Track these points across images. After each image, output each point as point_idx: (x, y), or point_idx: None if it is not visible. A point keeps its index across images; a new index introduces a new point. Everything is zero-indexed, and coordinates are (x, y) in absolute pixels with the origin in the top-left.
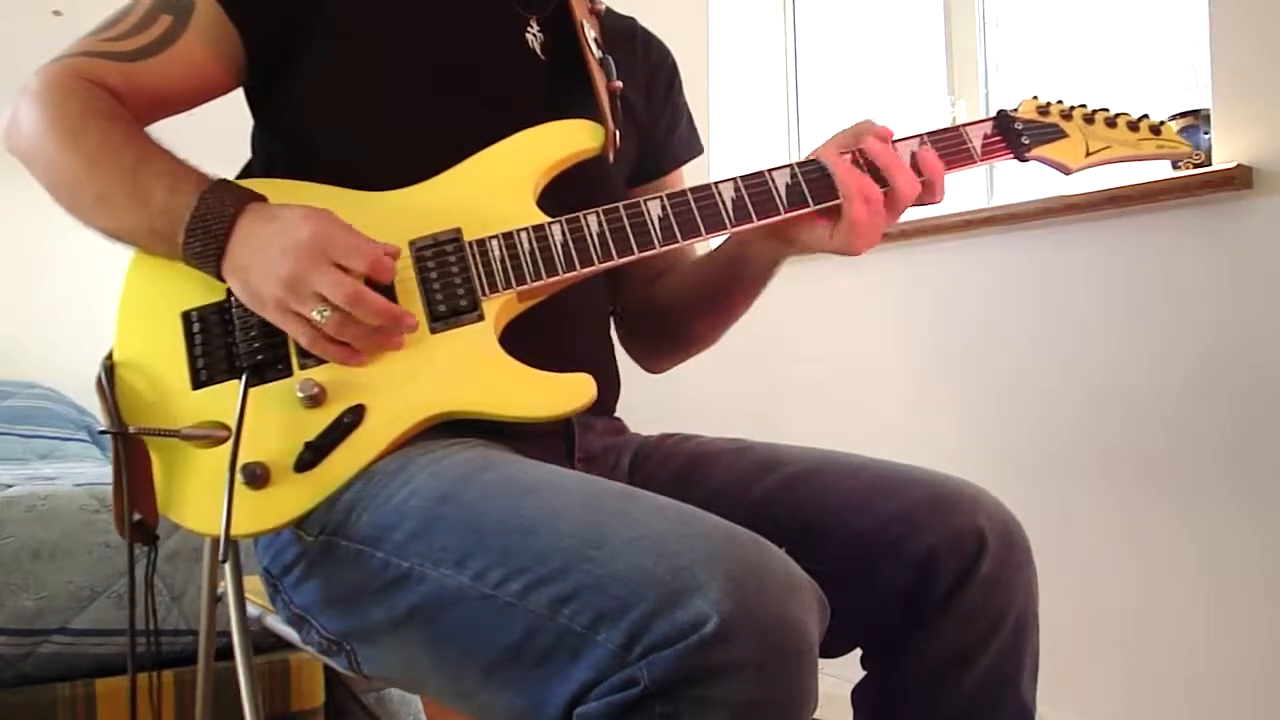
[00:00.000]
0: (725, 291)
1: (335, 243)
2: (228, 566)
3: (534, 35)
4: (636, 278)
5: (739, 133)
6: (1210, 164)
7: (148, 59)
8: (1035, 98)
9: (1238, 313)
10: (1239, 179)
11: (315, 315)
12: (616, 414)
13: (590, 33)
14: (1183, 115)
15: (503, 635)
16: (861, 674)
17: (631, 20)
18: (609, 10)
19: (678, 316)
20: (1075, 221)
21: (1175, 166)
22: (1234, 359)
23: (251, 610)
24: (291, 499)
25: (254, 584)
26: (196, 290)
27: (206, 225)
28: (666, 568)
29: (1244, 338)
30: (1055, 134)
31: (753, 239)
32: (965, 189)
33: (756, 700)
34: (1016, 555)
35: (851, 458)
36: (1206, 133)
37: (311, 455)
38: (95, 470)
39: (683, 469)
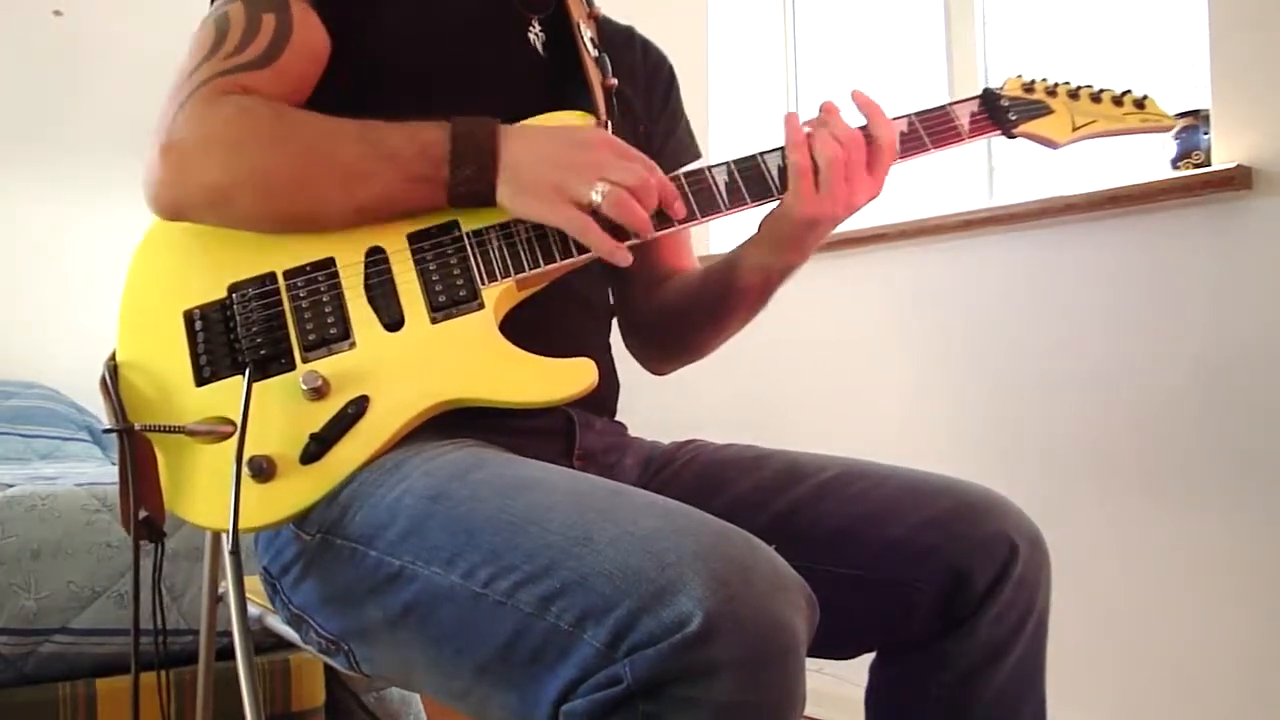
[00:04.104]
0: (721, 302)
1: (615, 142)
2: (229, 566)
3: (536, 34)
4: (639, 283)
5: (739, 133)
6: (1210, 164)
7: (281, 57)
8: (1019, 76)
9: (1237, 313)
10: (1239, 179)
11: (594, 195)
12: (618, 418)
13: (586, 33)
14: (1183, 115)
15: (493, 634)
16: (863, 674)
17: (630, 27)
18: (606, 18)
19: (678, 324)
20: (1075, 221)
21: (1175, 166)
22: (1234, 359)
23: (252, 610)
24: (298, 491)
25: (255, 584)
26: (197, 290)
27: (475, 142)
28: (652, 565)
29: (1244, 338)
30: (1041, 110)
31: (746, 248)
32: (965, 189)
33: (741, 700)
34: (1040, 558)
35: (875, 466)
36: (1206, 133)
37: (317, 447)
38: (96, 470)
39: (701, 476)
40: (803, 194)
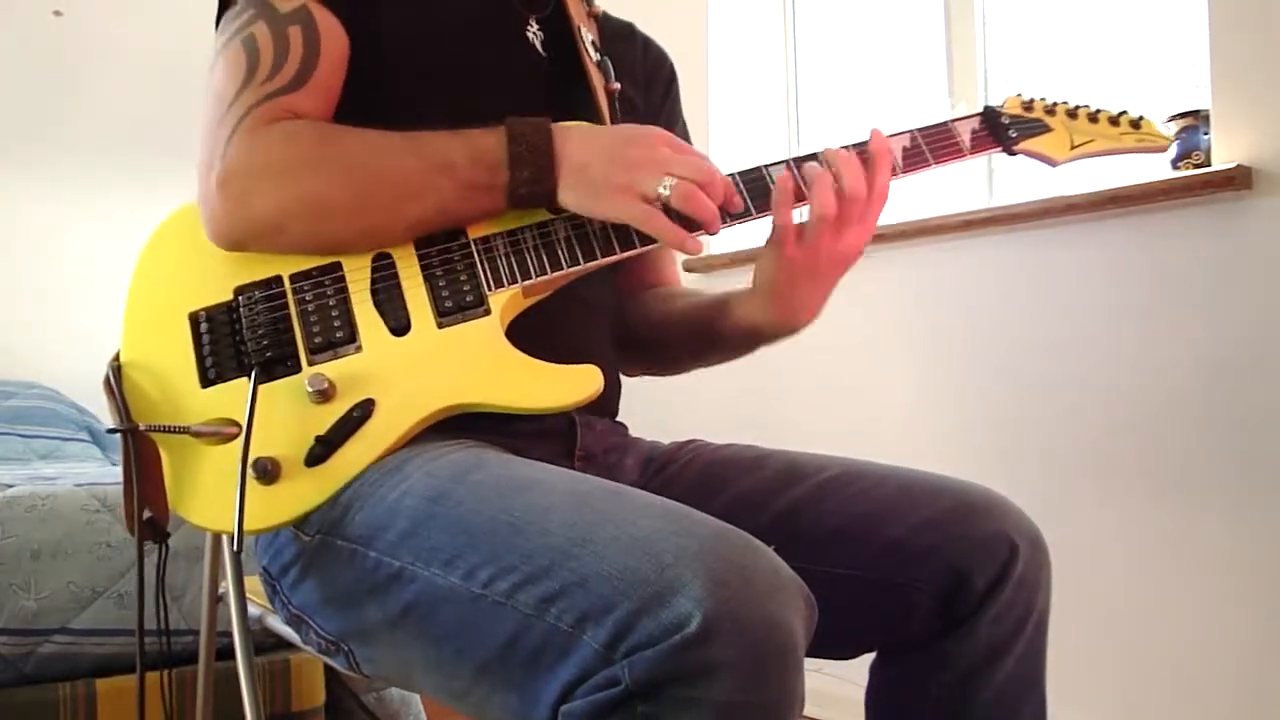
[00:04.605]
0: (702, 338)
1: (672, 138)
2: (229, 566)
3: (534, 34)
4: (627, 285)
5: (739, 133)
6: (1210, 164)
7: (315, 72)
8: (1019, 95)
9: (1237, 313)
10: (1239, 179)
11: (662, 189)
12: (619, 419)
13: (588, 36)
14: (1183, 115)
15: (493, 634)
16: (863, 674)
17: (630, 24)
18: (606, 15)
19: (653, 338)
20: (1075, 221)
21: (1175, 166)
22: (1234, 358)
23: (252, 610)
24: (302, 493)
25: (254, 584)
26: (203, 292)
27: (530, 144)
28: (651, 566)
29: (1244, 338)
30: (1040, 128)
31: (740, 297)
32: (965, 189)
33: (739, 701)
34: (1040, 558)
35: (875, 466)
36: (1206, 133)
37: (322, 450)
38: (96, 470)
39: (701, 476)
40: (784, 249)
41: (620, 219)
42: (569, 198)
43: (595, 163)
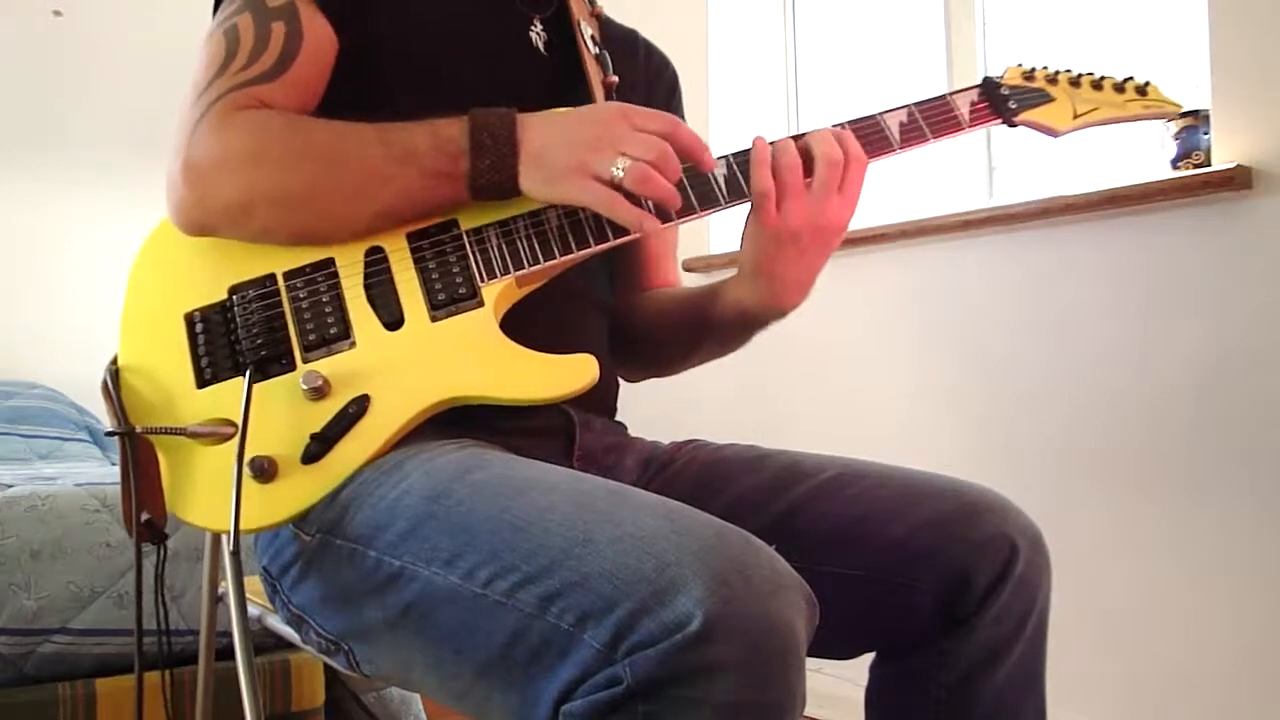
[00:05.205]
0: (695, 328)
1: (635, 110)
2: (229, 566)
3: (537, 34)
4: (619, 290)
5: (739, 133)
6: (1210, 164)
7: (292, 66)
8: (1020, 65)
9: (1237, 313)
10: (1239, 179)
11: (615, 171)
12: (618, 418)
13: (588, 30)
14: (1183, 115)
15: (493, 634)
16: (863, 674)
17: (634, 31)
18: (610, 20)
19: (650, 337)
20: (1075, 222)
21: (1175, 166)
22: (1233, 359)
23: (252, 610)
24: (299, 491)
25: (254, 584)
26: (198, 292)
27: (492, 133)
28: (653, 565)
29: (1243, 337)
30: (1042, 98)
31: (728, 281)
32: (965, 189)
33: (741, 701)
34: (1040, 558)
35: (875, 466)
36: (1206, 133)
37: (318, 447)
38: (96, 470)
39: (701, 476)
40: (764, 216)
41: (575, 202)
42: (528, 184)
43: (552, 146)
